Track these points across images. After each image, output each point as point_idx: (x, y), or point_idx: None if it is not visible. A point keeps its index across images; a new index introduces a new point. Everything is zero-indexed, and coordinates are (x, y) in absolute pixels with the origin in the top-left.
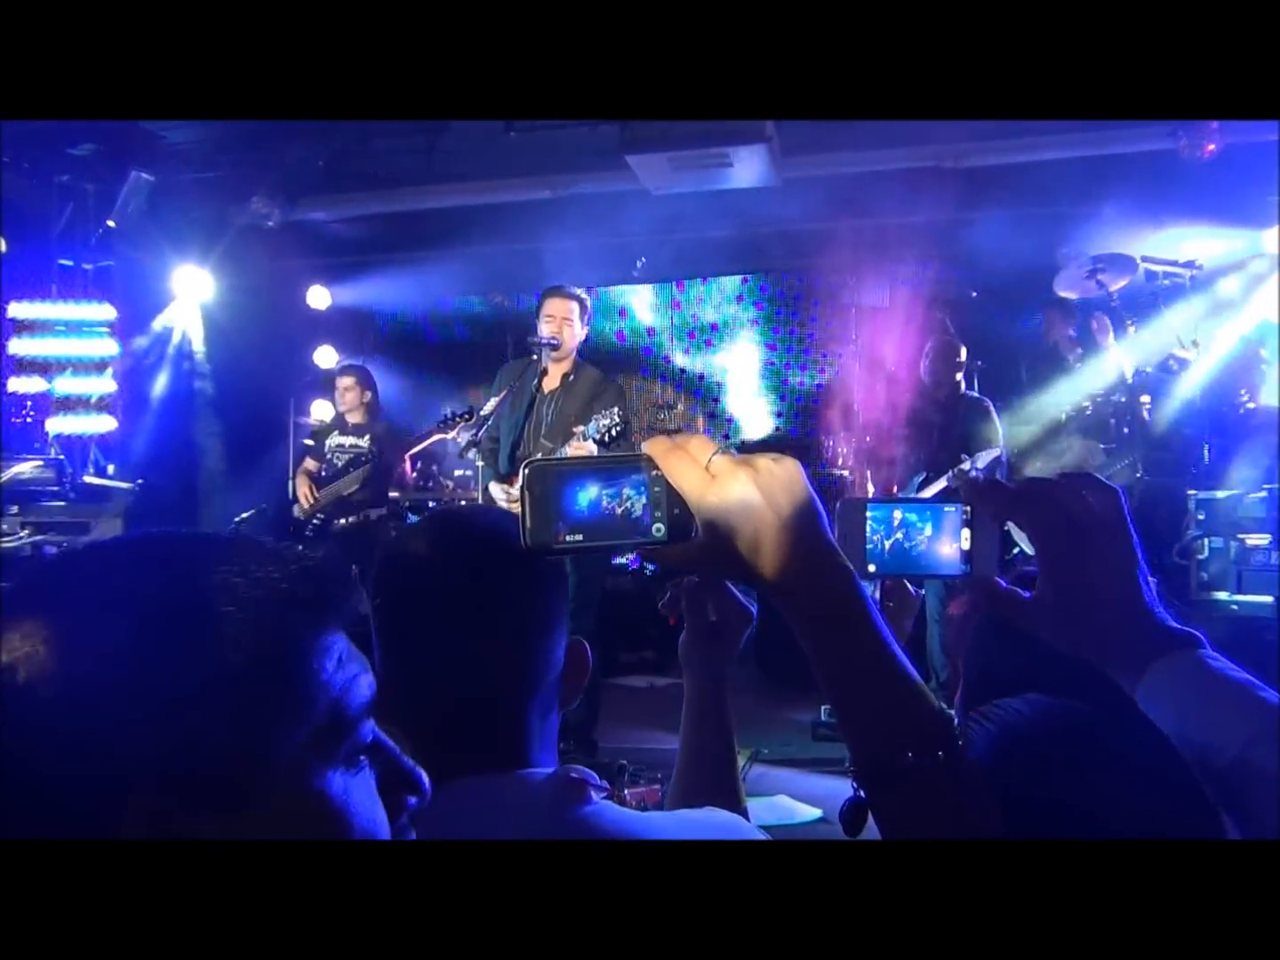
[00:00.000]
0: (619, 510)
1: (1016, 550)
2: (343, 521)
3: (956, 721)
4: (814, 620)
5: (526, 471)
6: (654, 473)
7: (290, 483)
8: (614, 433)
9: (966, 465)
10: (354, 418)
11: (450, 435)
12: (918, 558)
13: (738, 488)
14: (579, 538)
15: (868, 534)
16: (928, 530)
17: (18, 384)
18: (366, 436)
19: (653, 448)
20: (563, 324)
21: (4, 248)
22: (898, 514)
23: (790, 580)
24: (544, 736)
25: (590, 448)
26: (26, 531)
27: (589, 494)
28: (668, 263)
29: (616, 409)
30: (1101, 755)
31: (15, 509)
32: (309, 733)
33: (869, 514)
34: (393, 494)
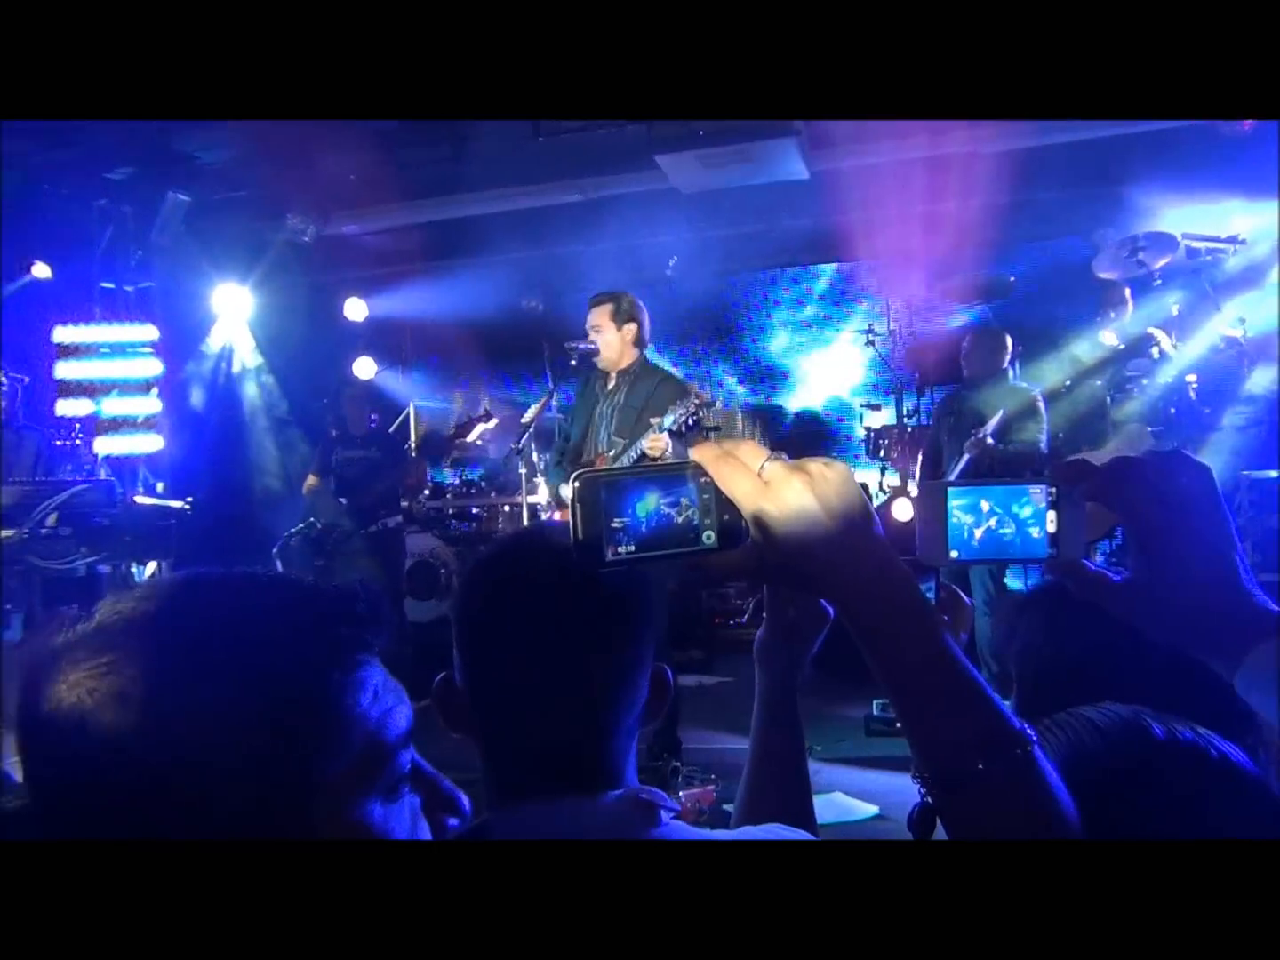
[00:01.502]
0: (671, 519)
1: None
2: (363, 531)
3: (1018, 725)
4: (873, 626)
5: (576, 484)
6: (703, 480)
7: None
8: (689, 423)
9: (981, 435)
10: (358, 429)
11: (470, 438)
12: (1001, 542)
13: (793, 495)
14: (631, 548)
15: (949, 518)
16: (1013, 513)
17: (65, 407)
18: (374, 447)
19: (701, 454)
20: (594, 331)
21: (49, 274)
22: (983, 500)
23: (849, 586)
24: (628, 757)
25: (665, 440)
26: (83, 551)
27: (639, 504)
28: (700, 261)
29: (692, 395)
30: (1170, 777)
31: (70, 530)
32: (346, 766)
33: (951, 499)
34: (434, 501)
